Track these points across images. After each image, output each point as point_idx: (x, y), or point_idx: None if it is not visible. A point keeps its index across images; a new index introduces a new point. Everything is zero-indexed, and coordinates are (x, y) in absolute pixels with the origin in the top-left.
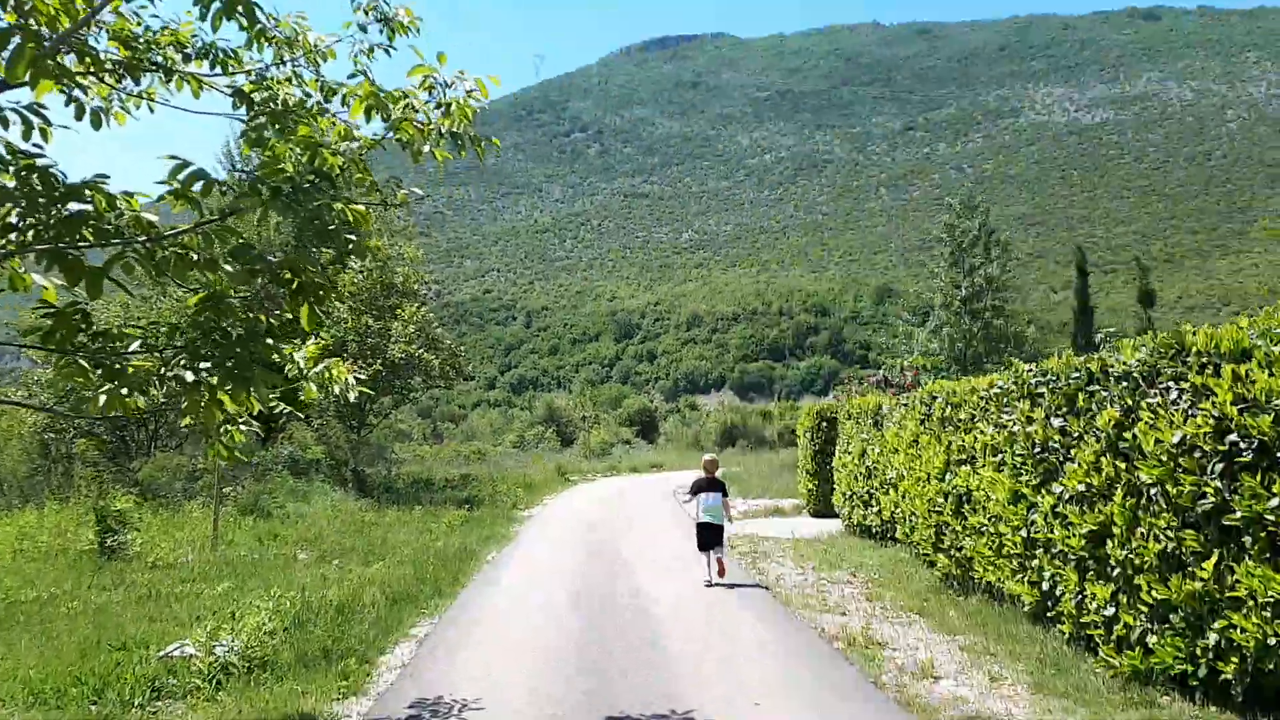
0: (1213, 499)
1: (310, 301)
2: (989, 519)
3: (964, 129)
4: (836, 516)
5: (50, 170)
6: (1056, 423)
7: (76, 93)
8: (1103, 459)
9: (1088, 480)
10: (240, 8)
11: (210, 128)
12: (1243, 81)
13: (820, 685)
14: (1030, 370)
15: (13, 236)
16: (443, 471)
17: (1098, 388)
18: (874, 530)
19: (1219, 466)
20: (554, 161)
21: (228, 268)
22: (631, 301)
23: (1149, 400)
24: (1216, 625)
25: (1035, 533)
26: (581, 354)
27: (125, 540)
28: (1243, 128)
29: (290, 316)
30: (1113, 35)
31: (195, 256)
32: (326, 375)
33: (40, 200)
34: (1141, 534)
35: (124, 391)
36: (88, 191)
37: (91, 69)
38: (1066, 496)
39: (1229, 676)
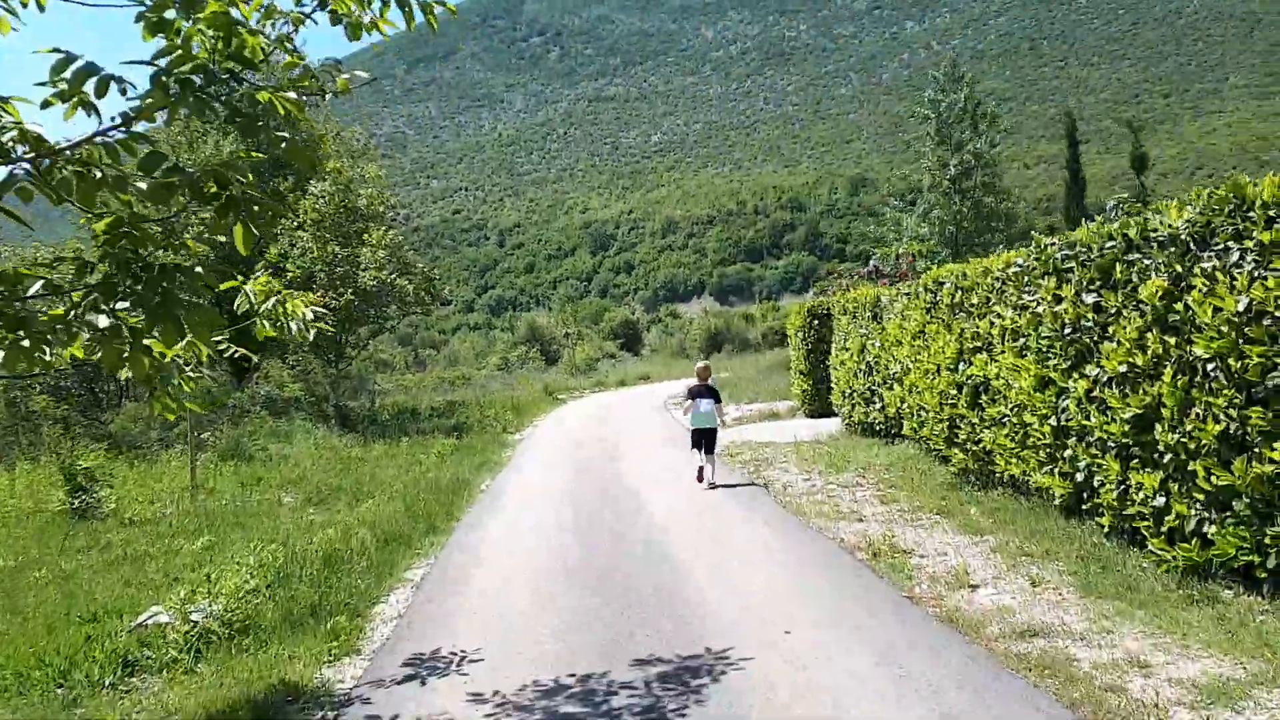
0: None
1: (244, 219)
2: (1011, 409)
3: (931, 3)
4: (835, 416)
5: None
6: (1089, 299)
7: None
8: (1148, 335)
9: (1130, 360)
10: None
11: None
12: None
13: (849, 602)
14: (1054, 244)
15: None
16: (428, 400)
17: (1138, 256)
18: (878, 428)
19: None
20: (513, 70)
21: (141, 185)
22: (605, 212)
23: (1203, 266)
24: None
25: (1067, 421)
26: (558, 269)
27: (98, 498)
28: None
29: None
30: None
31: (100, 174)
32: (280, 310)
33: None
34: (1197, 415)
35: (25, 344)
36: None
37: None
38: (1104, 379)
39: None
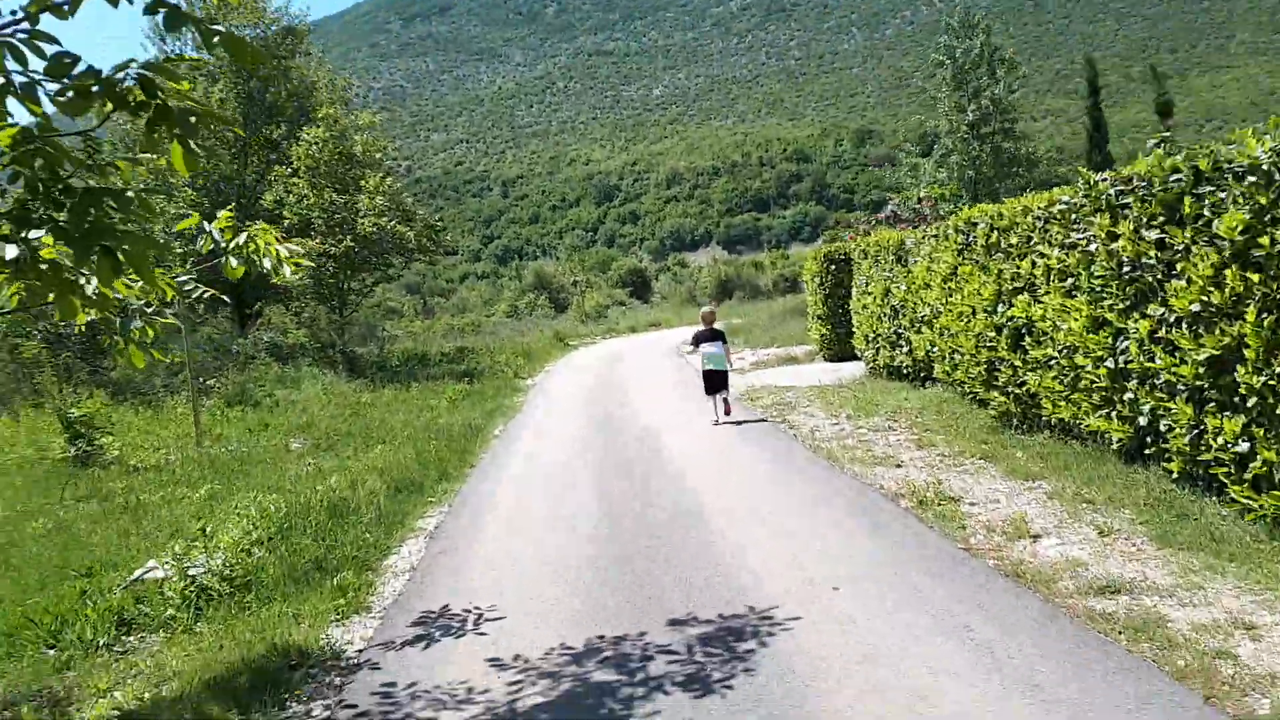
0: None
1: (181, 136)
2: (1060, 350)
3: None
4: (853, 360)
5: None
6: (1151, 235)
7: None
8: (1226, 272)
9: (1203, 299)
10: None
11: None
12: None
13: (900, 556)
14: (1105, 179)
15: None
16: (438, 346)
17: (1211, 189)
18: (905, 371)
19: None
20: (510, 24)
21: (52, 88)
22: (608, 163)
23: None
24: None
25: (1127, 363)
26: (563, 220)
27: (99, 445)
28: None
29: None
30: None
31: (3, 79)
32: (251, 247)
33: None
34: None
35: None
36: None
37: None
38: (1171, 319)
39: None
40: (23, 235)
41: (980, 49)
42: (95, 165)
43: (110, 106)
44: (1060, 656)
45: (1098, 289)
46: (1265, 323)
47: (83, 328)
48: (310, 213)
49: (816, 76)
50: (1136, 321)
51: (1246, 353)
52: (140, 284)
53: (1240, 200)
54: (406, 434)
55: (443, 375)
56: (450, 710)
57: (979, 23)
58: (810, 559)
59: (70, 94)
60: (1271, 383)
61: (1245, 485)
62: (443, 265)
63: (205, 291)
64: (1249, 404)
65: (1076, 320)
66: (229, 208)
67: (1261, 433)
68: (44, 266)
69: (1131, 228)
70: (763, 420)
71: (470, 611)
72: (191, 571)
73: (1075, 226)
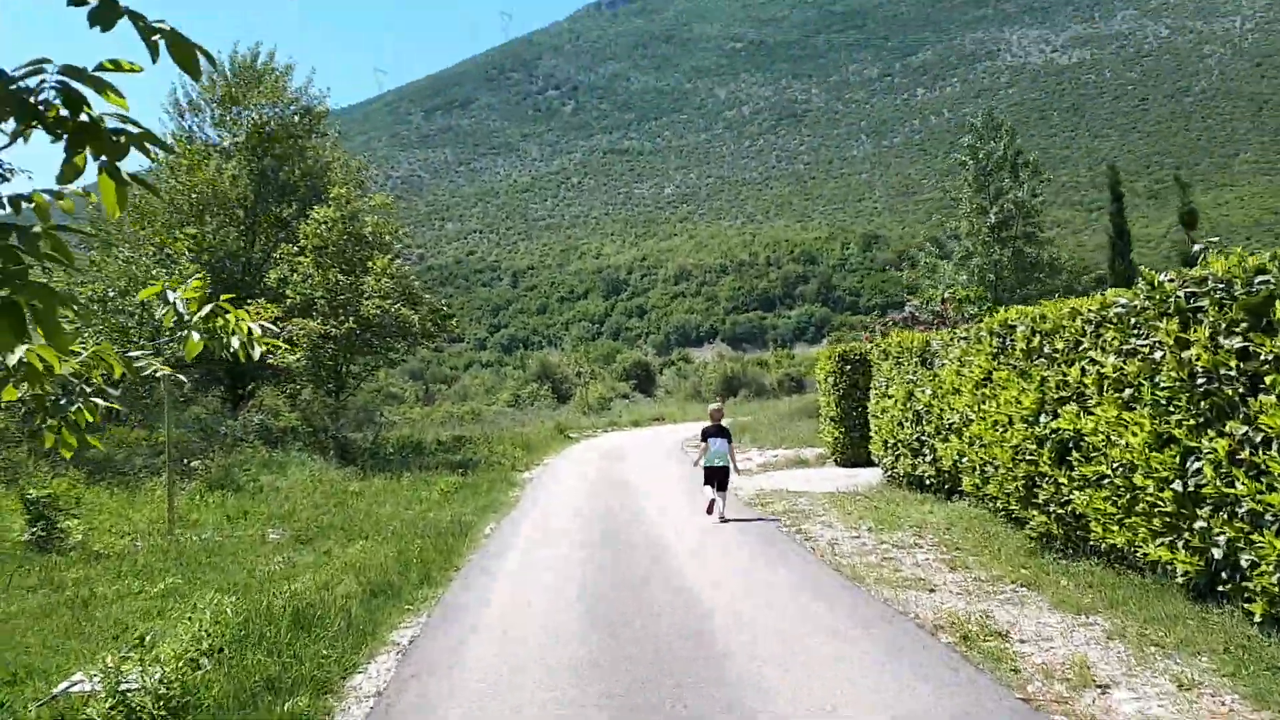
0: None
1: (109, 166)
2: (1114, 468)
3: (941, 73)
4: (867, 465)
5: None
6: (1231, 344)
7: None
8: None
9: None
10: None
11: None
12: (1219, 17)
13: (953, 706)
14: (1172, 280)
15: None
16: (435, 433)
17: None
18: (928, 482)
19: None
20: (529, 121)
21: None
22: (618, 258)
23: None
24: None
25: (1200, 486)
26: (571, 311)
27: (62, 528)
28: (1220, 63)
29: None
30: None
31: None
32: (218, 323)
33: None
34: None
35: None
36: None
37: None
38: (1257, 440)
39: None
40: None
41: (1004, 150)
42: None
43: (20, 123)
44: None
45: (1163, 402)
46: None
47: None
48: (314, 292)
49: (825, 181)
50: (1212, 440)
51: None
52: (83, 358)
53: None
54: (392, 528)
55: (437, 465)
56: None
57: (1003, 124)
58: (849, 705)
59: None
60: None
61: None
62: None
63: (158, 370)
64: None
65: (1137, 435)
66: (198, 277)
67: None
68: None
69: (1207, 334)
70: (771, 521)
71: None
72: (124, 687)
73: (1135, 331)
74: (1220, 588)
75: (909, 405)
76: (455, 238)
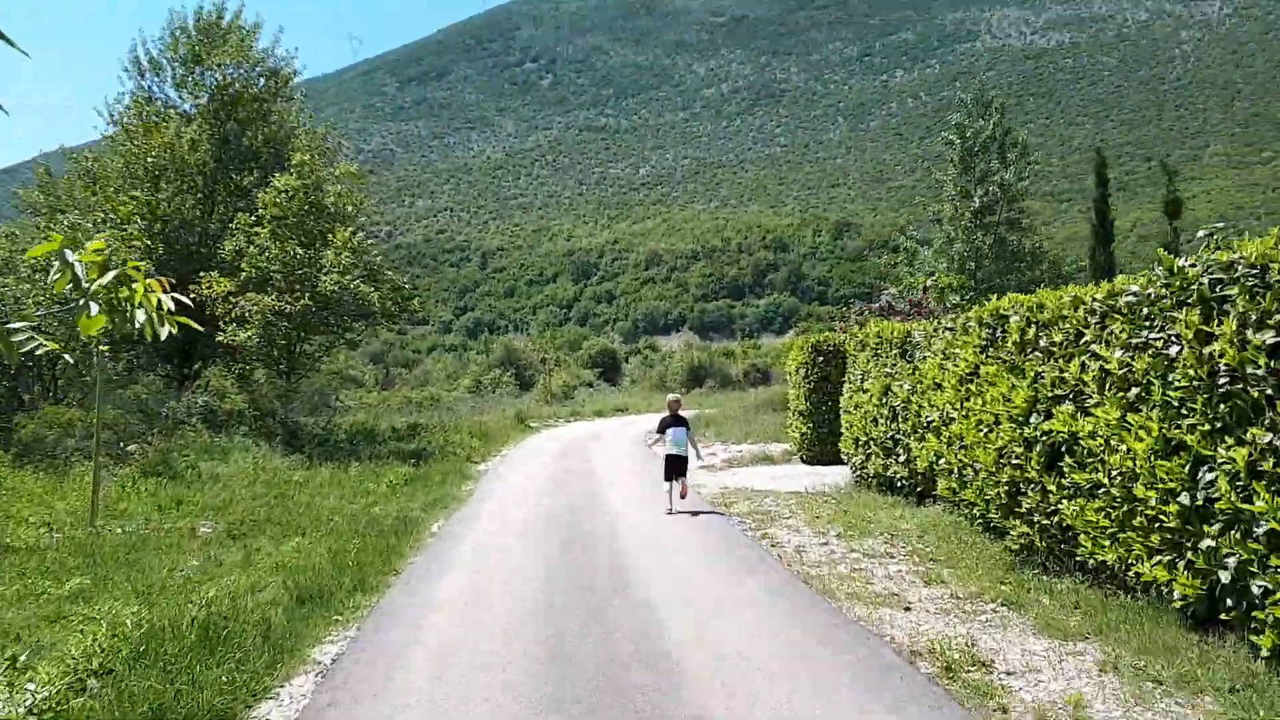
0: None
1: None
2: (1112, 476)
3: (921, 54)
4: (834, 464)
5: None
6: (1262, 338)
7: None
8: None
9: None
10: None
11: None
12: (1196, 2)
13: None
14: (1193, 265)
15: None
16: (390, 420)
17: None
18: (900, 484)
19: None
20: (505, 94)
21: None
22: (589, 240)
23: None
24: None
25: (1213, 499)
26: (539, 295)
27: None
28: (1196, 49)
29: None
30: None
31: None
32: (123, 294)
33: None
34: None
35: None
36: None
37: None
38: None
39: None
40: None
41: (992, 129)
42: None
43: None
44: None
45: (1175, 403)
46: None
47: None
48: (270, 266)
49: (800, 165)
50: (1230, 449)
51: None
52: None
53: None
54: (331, 525)
55: (388, 455)
56: None
57: (993, 101)
58: None
59: None
60: None
61: None
62: (412, 335)
63: (41, 347)
64: None
65: (1142, 440)
66: (101, 237)
67: None
68: None
69: (1234, 327)
70: (737, 524)
71: None
72: None
73: (1148, 323)
74: (1223, 615)
75: (885, 401)
76: (425, 215)
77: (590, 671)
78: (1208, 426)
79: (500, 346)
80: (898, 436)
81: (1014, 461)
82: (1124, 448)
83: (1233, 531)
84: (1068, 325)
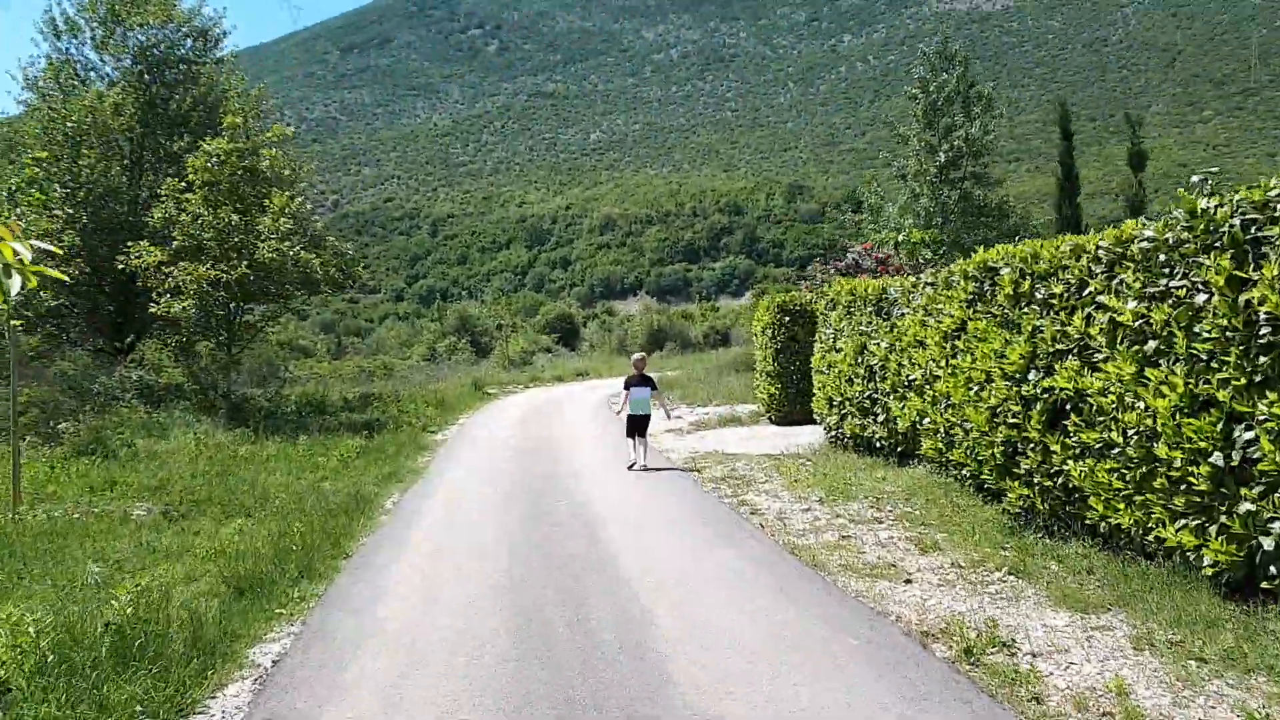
0: None
1: None
2: (1127, 435)
3: (869, 19)
4: (804, 424)
5: None
6: None
7: None
8: None
9: None
10: None
11: None
12: None
13: None
14: (1220, 204)
15: None
16: (341, 390)
17: None
18: (879, 444)
19: None
20: (451, 61)
21: None
22: (542, 206)
23: None
24: None
25: (1252, 461)
26: (492, 262)
27: None
28: (1138, 12)
29: None
30: None
31: None
32: None
33: None
34: None
35: None
36: None
37: None
38: None
39: None
40: None
41: (956, 83)
42: None
43: None
44: None
45: (1203, 356)
46: None
47: None
48: (203, 233)
49: (751, 129)
50: (1273, 405)
51: None
52: None
53: None
54: (278, 503)
55: (339, 426)
56: None
57: (956, 55)
58: None
59: None
60: None
61: None
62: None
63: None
64: None
65: (1164, 398)
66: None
67: None
68: None
69: (1276, 271)
70: (711, 491)
71: None
72: None
73: (1166, 270)
74: (1265, 585)
75: (861, 360)
76: (372, 183)
77: (570, 669)
78: (1244, 380)
79: (454, 314)
80: (875, 396)
81: (1010, 420)
82: (1141, 405)
83: (1276, 495)
84: (1069, 276)
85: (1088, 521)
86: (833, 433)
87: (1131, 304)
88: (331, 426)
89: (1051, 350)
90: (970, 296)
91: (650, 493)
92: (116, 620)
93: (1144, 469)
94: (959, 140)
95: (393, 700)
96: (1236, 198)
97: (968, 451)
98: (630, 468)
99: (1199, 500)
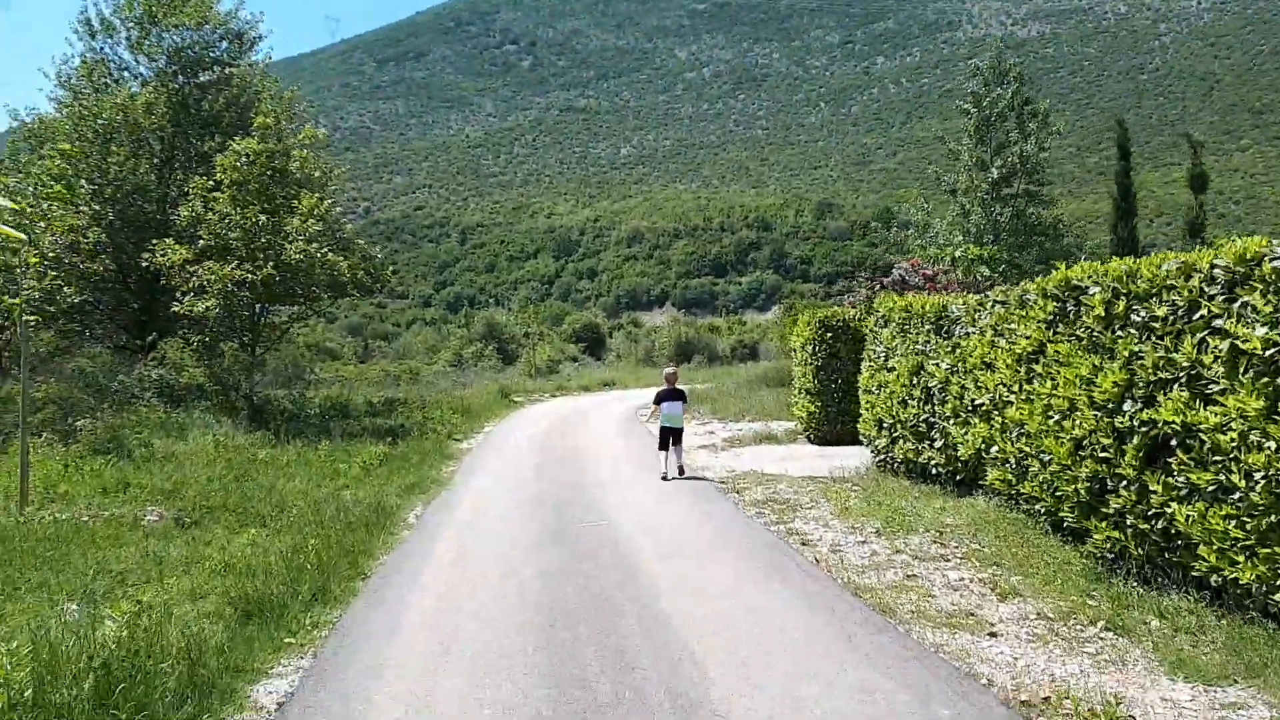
0: None
1: None
2: (1250, 479)
3: (902, 42)
4: (845, 444)
5: None
6: None
7: None
8: None
9: None
10: None
11: None
12: None
13: None
14: None
15: None
16: (366, 394)
17: None
18: (935, 471)
19: None
20: (485, 75)
21: None
22: (570, 218)
23: None
24: None
25: None
26: (520, 271)
27: None
28: (1175, 41)
29: None
30: None
31: None
32: None
33: None
34: None
35: None
36: None
37: None
38: None
39: None
40: None
41: (1011, 99)
42: None
43: None
44: None
45: None
46: None
47: None
48: (230, 233)
49: (782, 147)
50: None
51: None
52: None
53: None
54: (295, 512)
55: (363, 431)
56: None
57: (1011, 69)
58: None
59: None
60: None
61: None
62: (391, 309)
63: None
64: None
65: None
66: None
67: None
68: None
69: None
70: (756, 515)
71: None
72: None
73: None
74: None
75: (917, 380)
76: (403, 192)
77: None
78: None
79: (481, 320)
80: (933, 420)
81: (1099, 454)
82: (1271, 444)
83: None
84: (1175, 297)
85: (1194, 572)
86: (880, 456)
87: (1260, 330)
88: (355, 431)
89: (1153, 379)
90: (1050, 317)
91: (689, 516)
92: (104, 653)
93: (1272, 517)
94: (1013, 157)
95: None
96: None
97: (1044, 486)
98: (664, 478)
99: None
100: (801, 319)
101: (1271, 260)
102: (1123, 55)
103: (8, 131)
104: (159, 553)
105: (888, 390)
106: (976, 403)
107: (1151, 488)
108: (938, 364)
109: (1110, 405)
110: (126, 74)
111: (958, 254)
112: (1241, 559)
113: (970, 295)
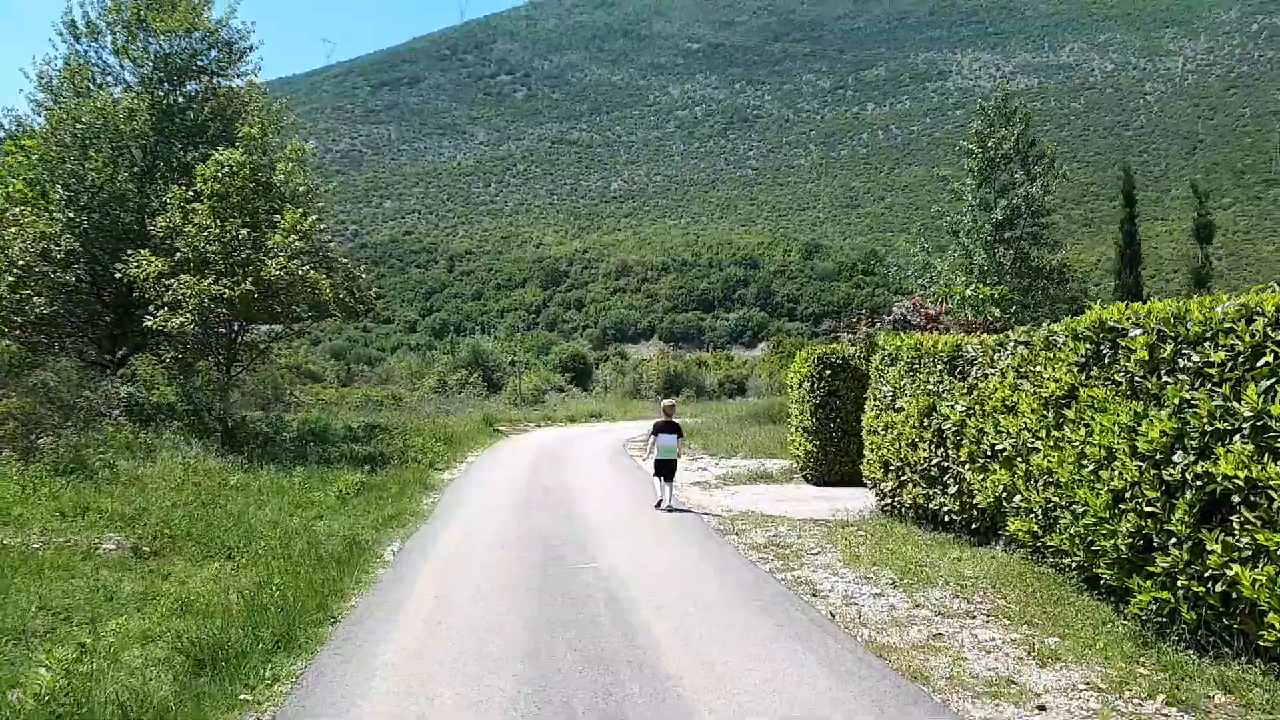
0: None
1: None
2: None
3: (892, 90)
4: (845, 485)
5: None
6: None
7: None
8: None
9: None
10: None
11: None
12: (1160, 56)
13: None
14: None
15: None
16: (346, 419)
17: None
18: (949, 519)
19: None
20: (479, 104)
21: None
22: (559, 249)
23: None
24: None
25: None
26: (507, 300)
27: None
28: (1159, 100)
29: None
30: (1039, 5)
31: None
32: None
33: None
34: None
35: None
36: None
37: None
38: None
39: None
40: None
41: (1016, 140)
42: None
43: None
44: None
45: None
46: None
47: None
48: (209, 246)
49: (771, 187)
50: None
51: None
52: None
53: None
54: (264, 544)
55: (341, 458)
56: None
57: (1017, 111)
58: None
59: None
60: None
61: None
62: (375, 333)
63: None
64: None
65: None
66: None
67: None
68: None
69: None
70: (760, 561)
71: None
72: None
73: None
74: None
75: (928, 422)
76: (392, 216)
77: None
78: None
79: (467, 347)
80: (946, 465)
81: (1144, 508)
82: None
83: None
84: (1234, 341)
85: (1263, 642)
86: (886, 500)
87: None
88: (332, 458)
89: (1208, 429)
90: (1083, 359)
91: (686, 562)
92: (19, 717)
93: None
94: (1018, 199)
95: None
96: None
97: (1077, 539)
98: (658, 507)
99: None
100: (799, 356)
101: None
102: (1108, 112)
103: None
104: (111, 587)
105: (895, 431)
106: (997, 448)
107: (1209, 547)
108: (952, 405)
109: (1157, 456)
110: (110, 79)
111: (968, 293)
112: None
113: (986, 335)
